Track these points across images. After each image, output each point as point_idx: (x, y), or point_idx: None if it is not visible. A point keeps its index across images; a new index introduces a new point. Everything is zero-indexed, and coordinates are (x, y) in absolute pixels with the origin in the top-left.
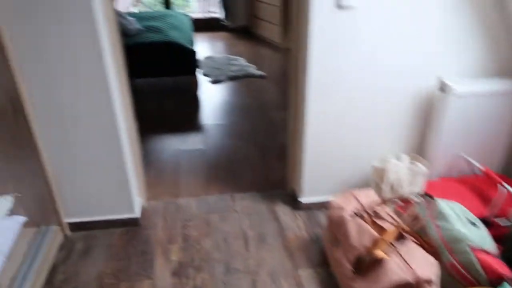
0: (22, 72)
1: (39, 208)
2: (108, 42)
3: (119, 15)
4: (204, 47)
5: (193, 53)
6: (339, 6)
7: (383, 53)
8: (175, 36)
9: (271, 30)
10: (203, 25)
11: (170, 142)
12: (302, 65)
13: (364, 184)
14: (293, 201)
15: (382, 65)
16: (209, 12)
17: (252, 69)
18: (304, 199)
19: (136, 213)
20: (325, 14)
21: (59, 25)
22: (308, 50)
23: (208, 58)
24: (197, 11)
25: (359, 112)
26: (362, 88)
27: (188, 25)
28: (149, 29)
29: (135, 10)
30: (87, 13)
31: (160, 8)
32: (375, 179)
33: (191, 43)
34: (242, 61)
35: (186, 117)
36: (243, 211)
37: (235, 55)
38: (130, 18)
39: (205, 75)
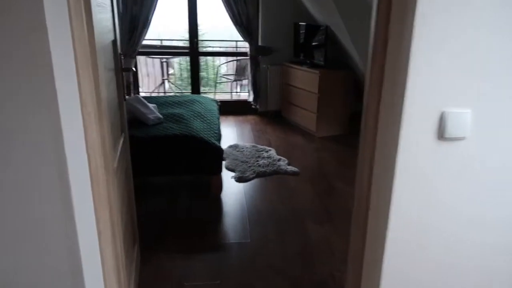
0: None
1: None
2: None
3: (138, 101)
4: (230, 133)
5: (218, 150)
6: (442, 137)
7: (497, 201)
8: (198, 128)
9: (305, 117)
10: (231, 108)
11: (175, 272)
12: (378, 206)
13: None
14: None
15: (494, 217)
16: (238, 93)
17: (284, 164)
18: None
19: None
20: (421, 146)
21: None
22: (394, 186)
23: (233, 147)
24: (226, 92)
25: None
26: (463, 247)
27: (215, 113)
28: (170, 117)
29: (163, 92)
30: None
31: (188, 89)
32: None
33: (217, 136)
34: (272, 152)
35: (201, 230)
36: None
37: (265, 143)
38: (151, 105)
39: (229, 169)
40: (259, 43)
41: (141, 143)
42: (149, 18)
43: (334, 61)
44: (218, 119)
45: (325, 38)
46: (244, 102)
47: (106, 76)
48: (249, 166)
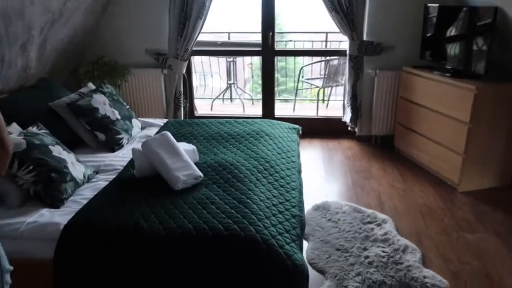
0: None
1: None
2: None
3: (165, 145)
4: (315, 172)
5: (299, 276)
6: None
7: None
8: (264, 204)
9: (440, 157)
10: (317, 127)
11: None
12: None
13: None
14: None
15: None
16: (328, 101)
17: (415, 263)
18: None
19: None
20: None
21: None
22: None
23: (321, 209)
24: (312, 99)
25: None
26: None
27: (294, 159)
28: (217, 173)
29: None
30: None
31: (260, 97)
32: None
33: (298, 223)
34: (389, 227)
35: None
36: None
37: (373, 201)
38: (187, 148)
39: (314, 267)
40: (364, 38)
41: (152, 241)
42: (207, 5)
43: (497, 68)
44: (299, 171)
45: (491, 29)
46: (337, 120)
47: None
48: (351, 264)
